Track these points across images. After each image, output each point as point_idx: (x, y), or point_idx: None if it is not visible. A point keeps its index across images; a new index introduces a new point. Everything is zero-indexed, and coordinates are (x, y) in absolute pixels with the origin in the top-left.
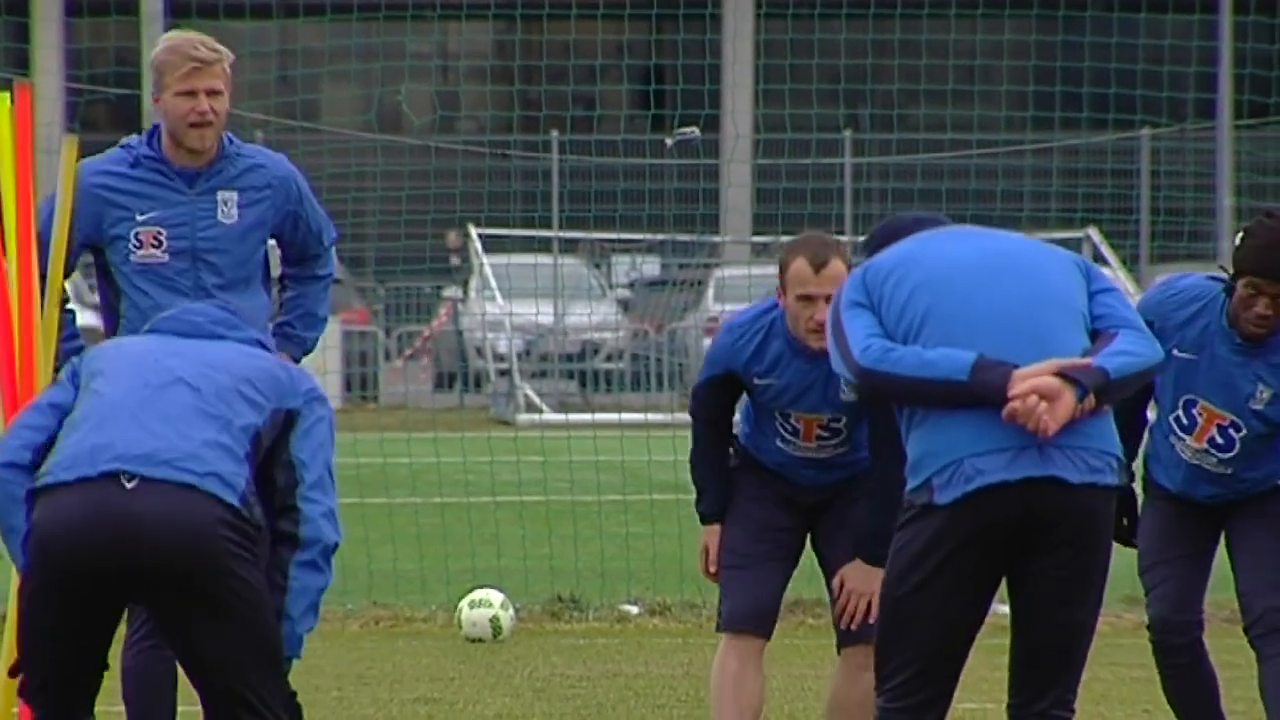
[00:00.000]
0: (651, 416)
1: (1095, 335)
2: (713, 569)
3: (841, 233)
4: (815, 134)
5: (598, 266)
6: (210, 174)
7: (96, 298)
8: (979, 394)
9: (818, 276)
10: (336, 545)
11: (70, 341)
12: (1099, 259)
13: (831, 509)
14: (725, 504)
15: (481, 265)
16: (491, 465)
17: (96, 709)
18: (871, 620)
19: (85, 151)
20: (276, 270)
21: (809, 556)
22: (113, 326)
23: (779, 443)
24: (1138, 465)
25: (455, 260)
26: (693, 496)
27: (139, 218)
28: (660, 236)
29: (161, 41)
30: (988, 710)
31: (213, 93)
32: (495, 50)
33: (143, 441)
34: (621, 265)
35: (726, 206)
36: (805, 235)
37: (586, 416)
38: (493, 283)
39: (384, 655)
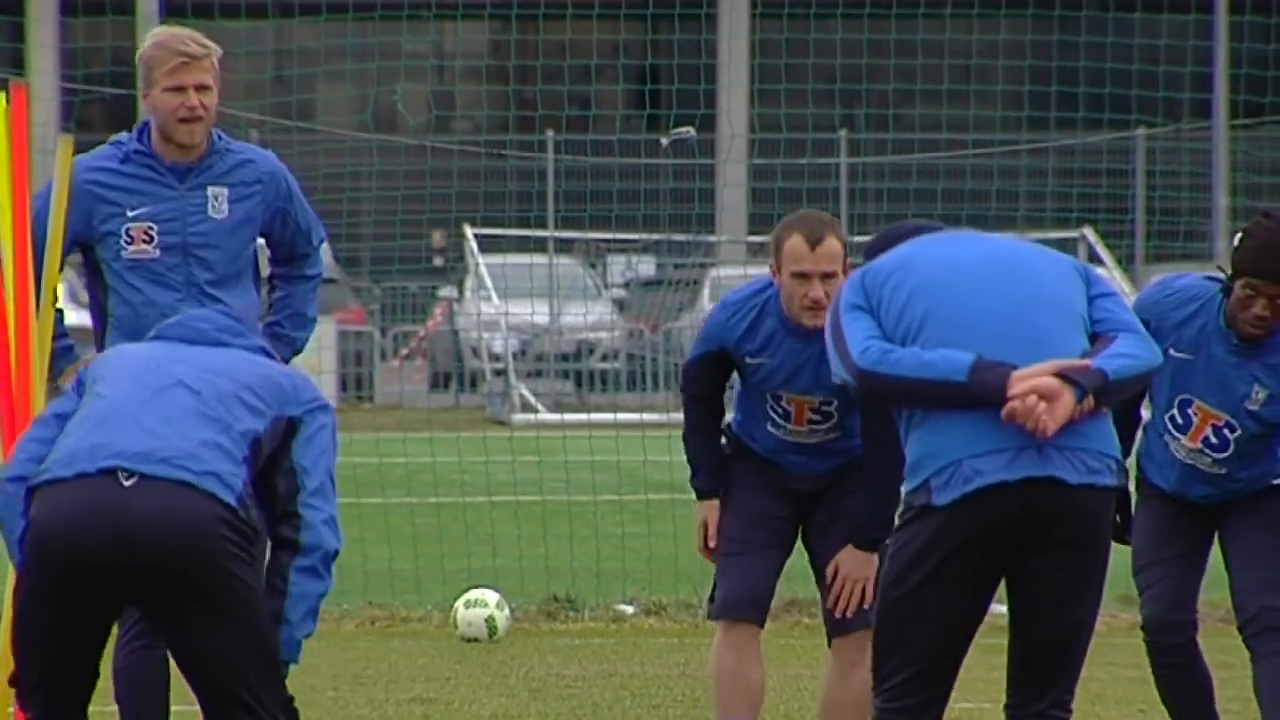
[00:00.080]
0: (647, 416)
1: (1094, 338)
2: (711, 544)
3: None
4: (811, 134)
5: (593, 266)
6: (200, 169)
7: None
8: (977, 395)
9: (813, 253)
10: (337, 552)
11: (59, 341)
12: (1094, 259)
13: (824, 500)
14: (721, 479)
15: (477, 265)
16: (487, 465)
17: (89, 708)
18: (866, 606)
19: (80, 151)
20: (265, 270)
21: (801, 555)
22: (101, 325)
23: (770, 427)
24: (1131, 464)
25: (438, 261)
26: (688, 497)
27: (130, 213)
28: (656, 236)
29: (149, 37)
30: (984, 710)
31: (201, 88)
32: (491, 50)
33: (141, 440)
34: (617, 265)
35: (722, 206)
36: (801, 213)
37: (582, 416)
38: (488, 282)
39: (379, 655)
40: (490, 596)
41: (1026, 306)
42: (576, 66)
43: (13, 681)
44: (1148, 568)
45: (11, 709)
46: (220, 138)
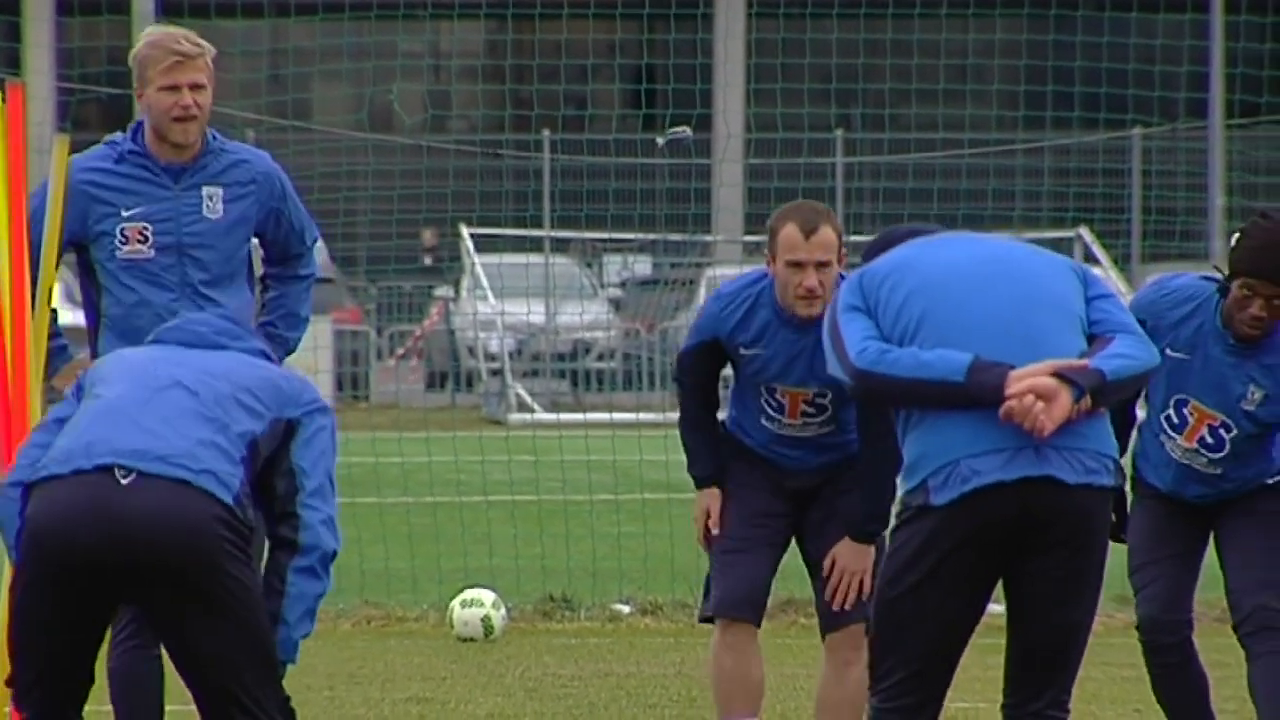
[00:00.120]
0: (643, 416)
1: (1092, 339)
2: (715, 530)
3: None
4: (807, 133)
5: (589, 266)
6: (195, 169)
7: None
8: (975, 395)
9: (808, 242)
10: (335, 553)
11: (53, 340)
12: (1090, 258)
13: (819, 498)
14: (719, 466)
15: (473, 265)
16: (483, 465)
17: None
18: (863, 598)
19: (76, 151)
20: (259, 270)
21: (796, 554)
22: (94, 324)
23: (764, 420)
24: (1125, 463)
25: (427, 260)
26: (685, 496)
27: (124, 213)
28: (652, 236)
29: (143, 37)
30: (980, 710)
31: (196, 86)
32: (487, 50)
33: (139, 438)
34: (613, 265)
35: (718, 206)
36: (796, 202)
37: (578, 416)
38: (484, 282)
39: (376, 654)
40: (486, 596)
41: (1024, 307)
42: (572, 66)
43: (9, 682)
44: (1143, 568)
45: (7, 709)
46: (215, 138)
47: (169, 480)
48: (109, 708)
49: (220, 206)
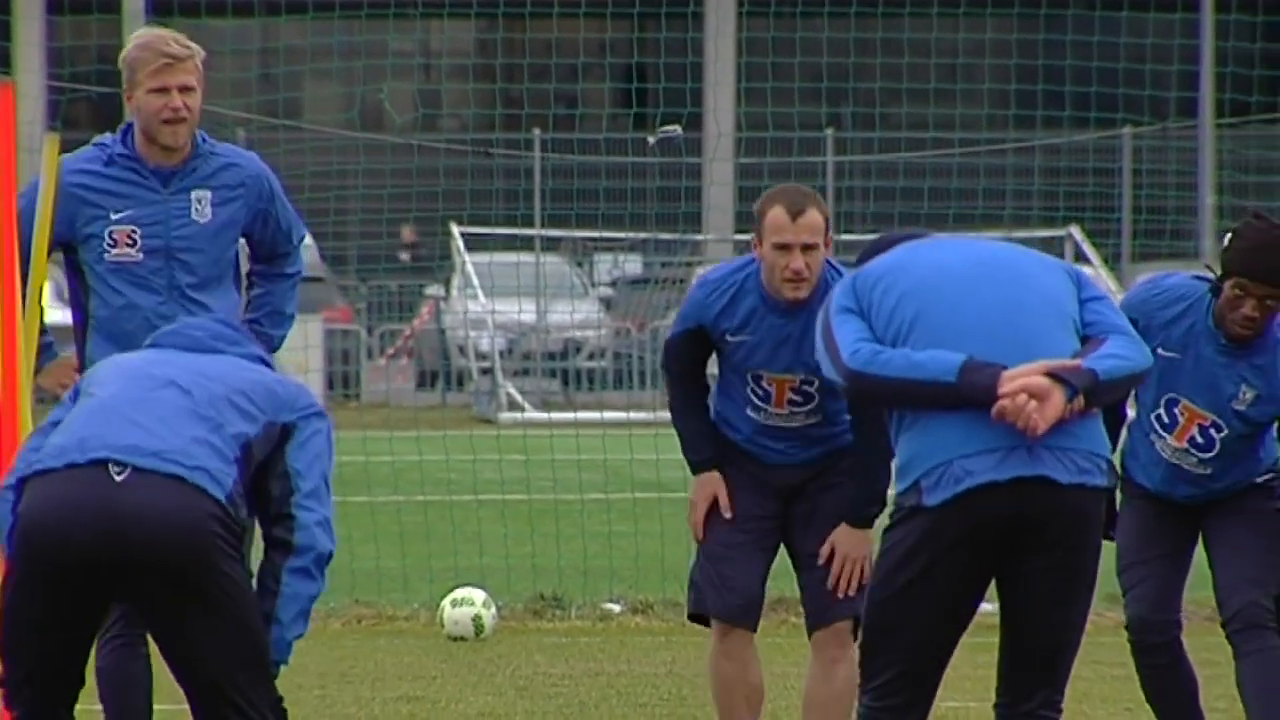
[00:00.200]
0: (634, 415)
1: (1085, 340)
2: (727, 515)
3: None
4: (797, 132)
5: (580, 265)
6: (184, 173)
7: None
8: (967, 395)
9: (794, 224)
10: (330, 554)
11: (39, 338)
12: (1081, 257)
13: (804, 493)
14: (714, 449)
15: (464, 263)
16: (474, 464)
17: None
18: (859, 589)
19: (66, 150)
20: (245, 266)
21: (784, 553)
22: (82, 324)
23: (750, 411)
24: (1115, 461)
25: (404, 255)
26: (675, 495)
27: (113, 216)
28: (643, 235)
29: (133, 39)
30: (970, 709)
31: (185, 89)
32: (478, 48)
33: (132, 434)
34: (604, 263)
35: (709, 205)
36: (783, 185)
37: (569, 415)
38: (475, 281)
39: (366, 653)
40: (477, 595)
41: (1016, 308)
42: (563, 65)
43: (1, 682)
44: (1132, 567)
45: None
46: (204, 140)
47: (163, 476)
48: (97, 707)
49: (209, 210)
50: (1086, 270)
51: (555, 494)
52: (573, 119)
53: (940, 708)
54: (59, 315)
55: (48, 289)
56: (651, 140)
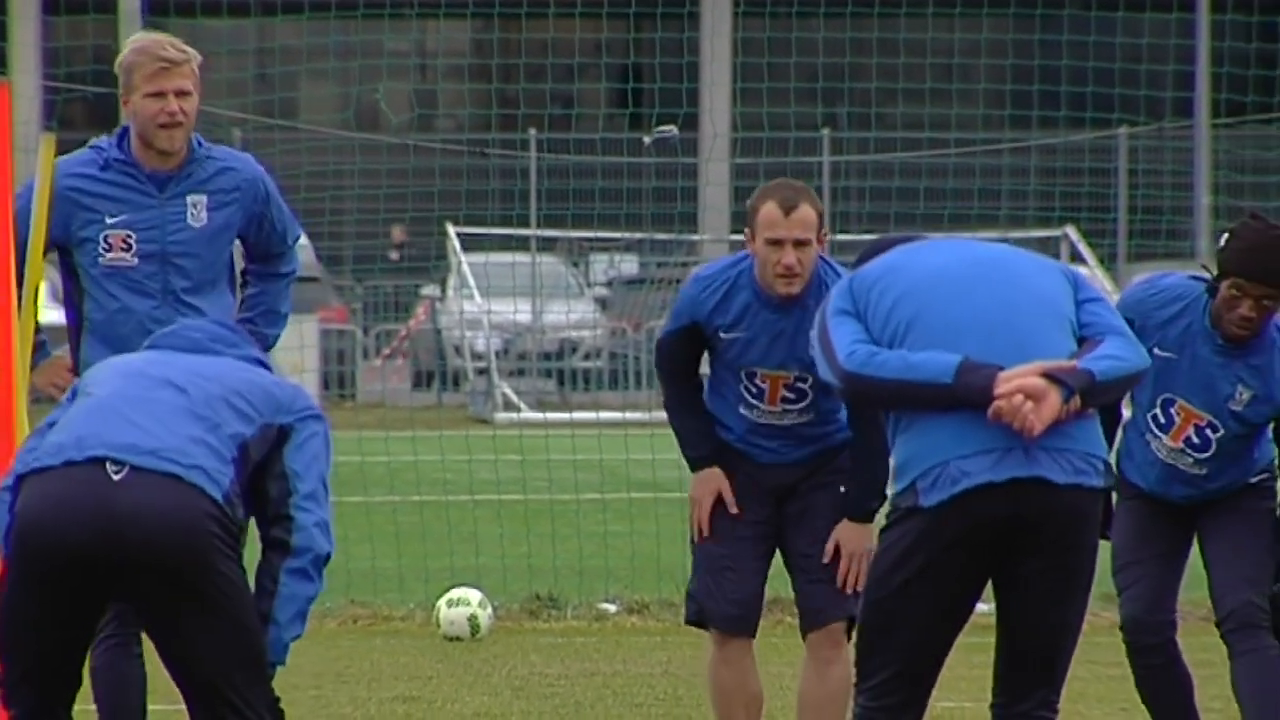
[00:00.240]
0: (629, 415)
1: (1082, 341)
2: (733, 510)
3: None
4: (793, 132)
5: (576, 265)
6: (180, 178)
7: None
8: (963, 396)
9: (787, 220)
10: (329, 556)
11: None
12: (1076, 257)
13: (796, 492)
14: (713, 445)
15: (460, 264)
16: (469, 464)
17: None
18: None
19: (62, 150)
20: (239, 266)
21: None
22: (76, 325)
23: (743, 409)
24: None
25: (394, 255)
26: (671, 495)
27: (108, 220)
28: (638, 235)
29: (129, 43)
30: (966, 709)
31: (181, 93)
32: (473, 49)
33: (129, 433)
34: (599, 263)
35: (704, 205)
36: (776, 181)
37: (564, 415)
38: (471, 281)
39: (362, 654)
40: (473, 595)
41: (1013, 309)
42: (559, 65)
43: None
44: (1127, 568)
45: None
46: (200, 144)
47: (160, 475)
48: (91, 706)
49: (204, 214)
50: (1082, 270)
51: (551, 494)
52: (568, 119)
53: (936, 708)
54: (54, 315)
55: (44, 289)
56: (647, 140)
